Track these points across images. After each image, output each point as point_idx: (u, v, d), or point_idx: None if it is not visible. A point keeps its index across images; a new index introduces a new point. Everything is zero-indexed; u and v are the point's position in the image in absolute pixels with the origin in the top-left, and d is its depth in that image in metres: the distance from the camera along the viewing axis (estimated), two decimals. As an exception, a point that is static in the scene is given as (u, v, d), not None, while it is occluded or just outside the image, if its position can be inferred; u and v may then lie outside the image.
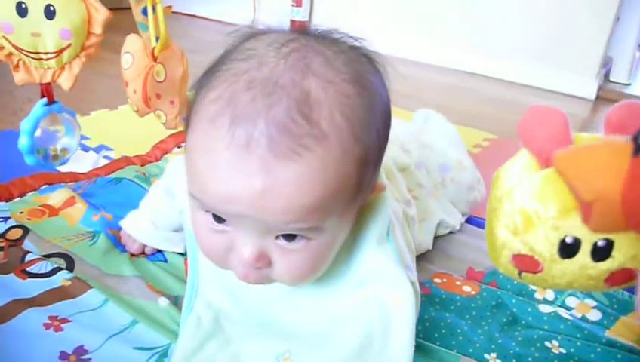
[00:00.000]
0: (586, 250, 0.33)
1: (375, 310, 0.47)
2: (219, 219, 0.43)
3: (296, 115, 0.38)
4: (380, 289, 0.47)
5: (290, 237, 0.42)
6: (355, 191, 0.42)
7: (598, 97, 2.01)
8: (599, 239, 0.33)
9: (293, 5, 2.46)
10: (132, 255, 0.67)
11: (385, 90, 0.46)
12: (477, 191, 0.84)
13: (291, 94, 0.38)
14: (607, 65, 2.15)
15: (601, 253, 0.33)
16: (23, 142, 0.71)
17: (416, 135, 0.80)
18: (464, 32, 2.18)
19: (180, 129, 0.89)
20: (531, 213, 0.34)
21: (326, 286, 0.50)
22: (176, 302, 0.59)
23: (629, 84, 2.24)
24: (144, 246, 0.67)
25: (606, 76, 2.19)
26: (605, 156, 0.29)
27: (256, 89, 0.39)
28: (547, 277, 0.35)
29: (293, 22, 2.48)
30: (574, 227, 0.33)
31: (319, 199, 0.39)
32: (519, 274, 0.37)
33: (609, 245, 0.33)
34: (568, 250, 0.34)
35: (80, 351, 0.51)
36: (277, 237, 0.42)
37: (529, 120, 0.33)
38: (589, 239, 0.33)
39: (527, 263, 0.35)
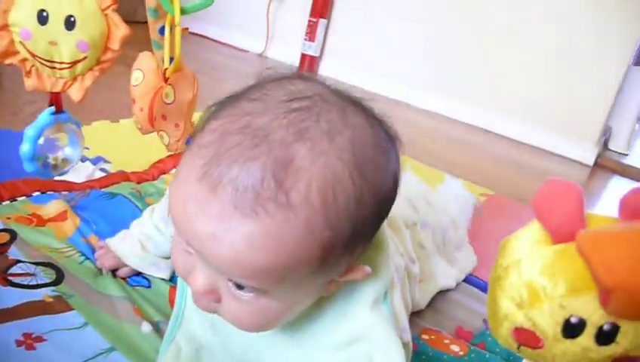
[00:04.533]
0: (590, 332, 0.32)
1: None
2: (188, 242, 0.42)
3: (269, 176, 0.36)
4: (369, 350, 0.45)
5: (239, 286, 0.41)
6: (316, 270, 0.40)
7: (596, 164, 2.03)
8: (605, 323, 0.32)
9: (305, 39, 2.49)
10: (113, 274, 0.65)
11: (390, 180, 0.43)
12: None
13: (274, 154, 0.36)
14: (606, 133, 2.19)
15: (605, 337, 0.32)
16: (25, 149, 0.70)
17: (425, 193, 0.79)
18: (475, 86, 2.22)
19: (181, 151, 0.89)
20: (539, 288, 0.33)
21: (314, 340, 0.48)
22: (157, 328, 0.57)
23: (626, 154, 2.27)
24: (117, 265, 0.65)
25: (605, 144, 2.22)
26: (631, 244, 0.28)
27: (246, 136, 0.38)
28: (547, 354, 0.34)
29: (304, 56, 2.51)
30: (581, 308, 0.32)
31: (267, 264, 0.37)
32: (518, 347, 0.36)
33: (614, 330, 0.32)
34: (572, 330, 0.33)
35: (50, 372, 0.49)
36: (229, 280, 0.41)
37: (546, 194, 0.33)
38: (594, 322, 0.32)
39: (528, 338, 0.34)
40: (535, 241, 0.34)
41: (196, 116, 0.90)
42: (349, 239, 0.40)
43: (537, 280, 0.33)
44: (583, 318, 0.32)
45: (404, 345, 0.46)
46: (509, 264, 0.35)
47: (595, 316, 0.32)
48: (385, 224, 0.49)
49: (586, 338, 0.33)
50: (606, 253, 0.28)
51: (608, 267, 0.28)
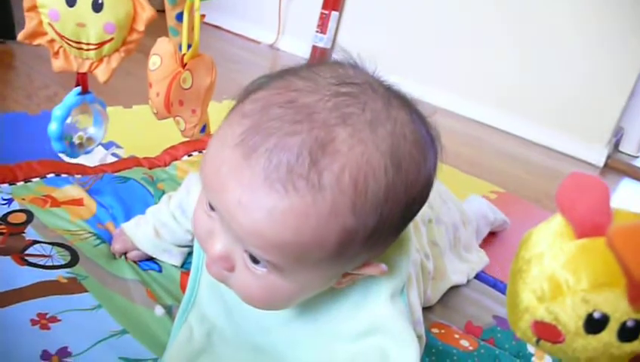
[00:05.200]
0: (613, 328, 0.32)
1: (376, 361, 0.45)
2: (211, 206, 0.42)
3: (305, 153, 0.36)
4: (384, 342, 0.45)
5: (254, 259, 0.41)
6: (332, 257, 0.39)
7: (606, 165, 2.02)
8: (629, 319, 0.32)
9: (317, 32, 2.48)
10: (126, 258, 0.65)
11: (423, 180, 0.42)
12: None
13: (315, 132, 0.37)
14: (618, 134, 2.17)
15: (628, 333, 0.32)
16: (54, 128, 0.70)
17: (439, 189, 0.79)
18: (487, 84, 2.21)
19: (196, 138, 0.89)
20: (561, 281, 0.32)
21: (328, 328, 0.48)
22: (170, 311, 0.57)
23: (637, 156, 2.25)
24: (127, 249, 0.65)
25: (616, 146, 2.20)
26: None
27: (289, 110, 0.38)
28: (567, 349, 0.34)
29: (315, 48, 2.50)
30: (604, 302, 0.32)
31: (286, 240, 0.37)
32: (537, 341, 0.36)
33: (638, 326, 0.32)
34: (595, 325, 0.32)
35: (63, 352, 0.49)
36: (246, 251, 0.41)
37: (569, 187, 0.32)
38: (618, 317, 0.32)
39: (548, 332, 0.34)
40: (558, 234, 0.34)
41: (214, 105, 0.91)
42: (371, 231, 0.40)
43: (560, 274, 0.33)
44: (606, 313, 0.32)
45: (418, 338, 0.46)
46: (531, 257, 0.34)
47: (619, 312, 0.32)
48: (410, 228, 0.49)
49: (609, 334, 0.32)
50: (638, 248, 0.28)
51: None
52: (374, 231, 0.40)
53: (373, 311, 0.47)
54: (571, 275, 0.32)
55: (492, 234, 1.02)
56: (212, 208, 0.42)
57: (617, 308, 0.32)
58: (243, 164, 0.37)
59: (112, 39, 0.67)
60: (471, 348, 0.66)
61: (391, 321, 0.46)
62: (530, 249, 0.35)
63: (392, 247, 0.47)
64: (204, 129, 0.88)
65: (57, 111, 0.70)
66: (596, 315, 0.32)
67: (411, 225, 0.60)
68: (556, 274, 0.33)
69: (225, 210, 0.38)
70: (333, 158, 0.36)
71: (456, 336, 0.67)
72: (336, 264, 0.41)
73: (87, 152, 0.78)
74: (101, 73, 0.69)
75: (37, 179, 0.77)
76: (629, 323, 0.32)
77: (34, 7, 0.64)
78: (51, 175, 0.78)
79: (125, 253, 0.65)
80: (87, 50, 0.67)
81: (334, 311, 0.48)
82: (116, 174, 0.84)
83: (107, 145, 1.01)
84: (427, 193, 0.44)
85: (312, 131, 0.36)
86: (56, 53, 0.67)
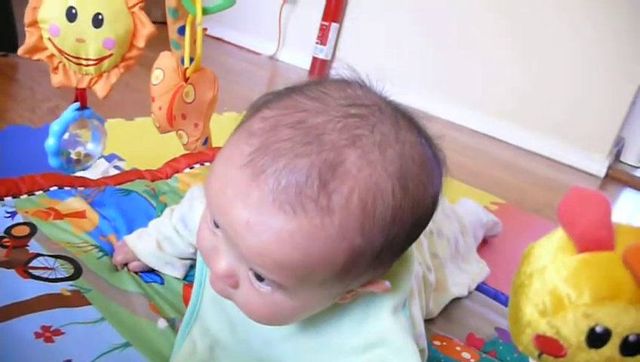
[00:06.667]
0: (615, 342, 0.32)
1: None
2: (216, 223, 0.42)
3: (315, 175, 0.36)
4: (387, 356, 0.45)
5: (259, 277, 0.41)
6: (338, 277, 0.40)
7: (607, 175, 2.02)
8: (631, 333, 0.32)
9: (317, 43, 2.50)
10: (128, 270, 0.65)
11: (429, 201, 0.43)
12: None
13: (324, 155, 0.37)
14: (619, 145, 2.18)
15: (630, 347, 0.32)
16: (51, 143, 0.71)
17: (441, 203, 0.80)
18: (487, 94, 2.22)
19: (199, 151, 0.89)
20: (563, 296, 0.33)
21: (331, 342, 0.48)
22: (172, 324, 0.58)
23: (638, 167, 2.26)
24: (128, 260, 0.65)
25: (617, 156, 2.21)
26: None
27: (299, 131, 0.38)
28: (569, 363, 0.34)
29: (315, 59, 2.52)
30: (606, 317, 0.32)
31: (293, 262, 0.37)
32: (539, 355, 0.36)
33: None
34: (597, 339, 0.32)
35: (67, 365, 0.49)
36: (251, 270, 0.41)
37: (571, 202, 0.33)
38: (620, 332, 0.32)
39: (550, 346, 0.34)
40: (559, 249, 0.34)
41: (215, 117, 0.91)
42: (378, 252, 0.40)
43: (562, 288, 0.33)
44: (608, 327, 0.32)
45: (420, 351, 0.46)
46: (533, 271, 0.35)
47: (621, 326, 0.32)
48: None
49: (611, 349, 0.32)
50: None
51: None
52: (381, 251, 0.40)
53: (375, 325, 0.47)
54: (573, 290, 0.32)
55: (489, 243, 1.02)
56: (216, 225, 0.42)
57: (619, 322, 0.32)
58: (251, 184, 0.37)
59: (111, 55, 0.68)
60: (472, 360, 0.66)
61: (393, 335, 0.46)
62: (532, 263, 0.35)
63: (395, 263, 0.47)
64: (206, 142, 0.88)
65: (55, 127, 0.71)
66: (598, 329, 0.32)
67: None
68: (558, 288, 0.33)
69: (231, 230, 0.38)
70: (343, 180, 0.37)
71: (458, 349, 0.67)
72: (342, 283, 0.42)
73: (85, 169, 0.78)
74: (100, 89, 0.70)
75: (40, 191, 0.77)
76: (631, 338, 0.32)
77: (34, 23, 0.65)
78: (54, 188, 0.78)
79: (127, 264, 0.66)
80: (87, 65, 0.67)
81: (337, 326, 0.48)
82: (118, 187, 0.85)
83: (109, 158, 1.01)
84: (432, 214, 0.44)
85: (321, 153, 0.37)
86: (56, 69, 0.68)
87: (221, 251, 0.42)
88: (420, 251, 0.65)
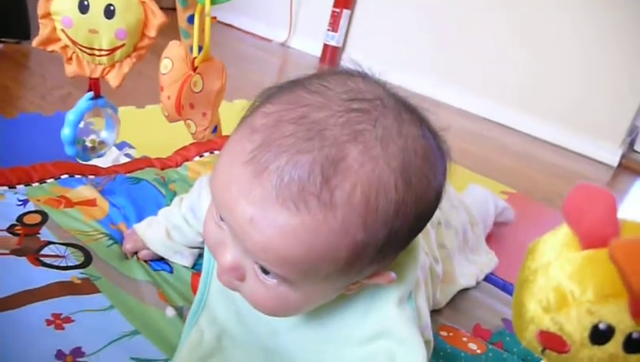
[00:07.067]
0: (618, 339, 0.32)
1: None
2: (221, 216, 0.43)
3: (317, 171, 0.36)
4: (392, 347, 0.46)
5: (265, 270, 0.41)
6: (342, 271, 0.40)
7: (620, 165, 2.00)
8: (635, 331, 0.32)
9: (328, 30, 2.48)
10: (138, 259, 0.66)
11: (433, 194, 0.43)
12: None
13: (326, 150, 0.37)
14: (632, 133, 2.15)
15: (634, 344, 0.32)
16: (66, 132, 0.72)
17: (448, 192, 0.79)
18: (499, 82, 2.19)
19: (207, 139, 0.89)
20: (567, 292, 0.33)
21: (337, 333, 0.49)
22: (180, 313, 0.58)
23: (652, 156, 2.23)
24: (137, 248, 0.66)
25: (631, 145, 2.18)
26: None
27: (301, 127, 0.38)
28: (573, 359, 0.34)
29: (326, 46, 2.50)
30: (610, 314, 0.32)
31: (297, 256, 0.38)
32: (542, 351, 0.36)
33: (643, 338, 0.32)
34: (600, 336, 0.32)
35: (77, 352, 0.50)
36: (256, 263, 0.41)
37: (576, 198, 0.33)
38: (623, 329, 0.32)
39: (554, 342, 0.34)
40: (564, 245, 0.34)
41: (225, 104, 0.92)
42: (381, 246, 0.40)
43: (566, 285, 0.33)
44: (611, 325, 0.32)
45: (426, 342, 0.47)
46: (538, 267, 0.35)
47: (624, 323, 0.32)
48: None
49: (614, 345, 0.32)
50: (639, 262, 0.28)
51: (642, 276, 0.28)
52: (384, 245, 0.40)
53: (380, 316, 0.47)
54: (577, 286, 0.32)
55: (499, 233, 1.02)
56: (222, 219, 0.42)
57: (623, 319, 0.32)
58: (254, 181, 0.37)
59: (123, 45, 0.68)
60: (479, 351, 0.66)
61: (398, 327, 0.46)
62: (536, 259, 0.35)
63: (400, 254, 0.47)
64: (215, 129, 0.89)
65: (70, 116, 0.72)
66: (601, 326, 0.32)
67: None
68: (562, 285, 0.33)
69: (236, 226, 0.39)
70: (345, 176, 0.37)
71: (464, 339, 0.67)
72: (346, 276, 0.42)
73: (100, 156, 0.80)
74: (113, 78, 0.71)
75: (51, 180, 0.78)
76: (635, 335, 0.32)
77: (48, 14, 0.66)
78: (65, 176, 0.79)
79: (136, 253, 0.67)
80: (100, 55, 0.68)
81: (342, 317, 0.48)
82: (129, 175, 0.86)
83: (120, 146, 1.02)
84: (436, 206, 0.44)
85: (323, 149, 0.37)
86: (70, 59, 0.69)
87: (227, 244, 0.43)
88: (427, 242, 0.65)
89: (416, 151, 0.41)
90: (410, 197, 0.40)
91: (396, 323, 0.46)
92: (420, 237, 0.56)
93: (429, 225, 0.67)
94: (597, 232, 0.32)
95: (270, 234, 0.37)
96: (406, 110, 0.42)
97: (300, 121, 0.38)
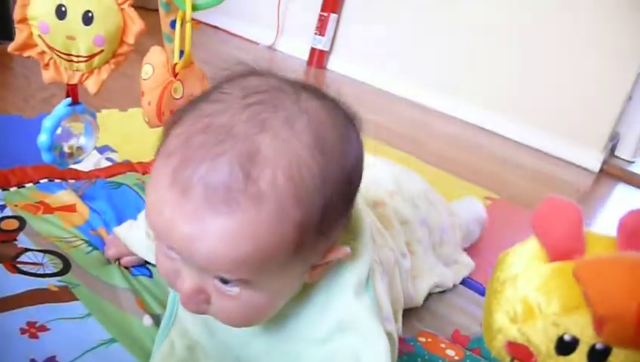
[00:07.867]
0: (583, 350, 0.33)
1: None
2: (167, 246, 0.43)
3: (236, 168, 0.37)
4: (352, 340, 0.46)
5: (224, 280, 0.42)
6: (293, 253, 0.41)
7: (601, 170, 2.03)
8: (598, 342, 0.32)
9: (316, 33, 2.49)
10: (119, 265, 0.66)
11: (353, 157, 0.45)
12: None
13: (239, 147, 0.38)
14: (614, 140, 2.18)
15: (598, 355, 0.33)
16: (43, 139, 0.71)
17: (426, 191, 0.80)
18: (483, 87, 2.21)
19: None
20: (533, 304, 0.33)
21: (298, 333, 0.49)
22: (158, 321, 0.58)
23: (633, 162, 2.26)
24: (120, 254, 0.66)
25: (612, 151, 2.21)
26: (625, 275, 0.28)
27: (209, 135, 0.39)
28: (540, 369, 0.35)
29: (313, 50, 2.51)
30: (574, 326, 0.33)
31: (245, 255, 0.38)
32: (511, 360, 0.37)
33: (607, 349, 0.33)
34: (565, 347, 0.33)
35: (51, 361, 0.50)
36: (215, 277, 0.42)
37: (544, 212, 0.33)
38: (587, 340, 0.33)
39: (521, 352, 0.35)
40: (532, 257, 0.35)
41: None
42: (320, 217, 0.41)
43: (532, 297, 0.33)
44: (576, 336, 0.33)
45: (388, 335, 0.47)
46: (506, 278, 0.35)
47: (588, 335, 0.32)
48: (363, 215, 0.51)
49: (579, 356, 0.33)
50: (601, 283, 0.29)
51: (603, 297, 0.29)
52: (323, 215, 0.41)
53: (338, 309, 0.47)
54: (543, 298, 0.33)
55: (481, 238, 1.02)
56: (169, 248, 0.43)
57: (586, 331, 0.32)
58: (182, 200, 0.38)
59: (101, 51, 0.68)
60: (457, 357, 0.66)
61: (357, 318, 0.47)
62: (505, 270, 0.36)
63: (345, 235, 0.48)
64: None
65: (47, 123, 0.71)
66: (566, 338, 0.33)
67: (381, 226, 0.61)
68: (529, 297, 0.34)
69: (181, 248, 0.39)
70: (264, 165, 0.38)
71: (442, 346, 0.68)
72: (300, 259, 0.43)
73: (77, 162, 0.79)
74: (91, 85, 0.70)
75: (30, 184, 0.77)
76: (598, 346, 0.32)
77: (24, 20, 0.65)
78: (44, 180, 0.79)
79: (119, 259, 0.66)
80: (78, 62, 0.68)
81: (303, 314, 0.49)
82: (109, 179, 0.85)
83: (101, 150, 1.02)
84: (361, 167, 0.46)
85: (235, 146, 0.38)
86: (47, 65, 0.68)
87: (182, 271, 0.43)
88: (393, 238, 0.66)
89: (322, 121, 0.42)
90: (330, 163, 0.41)
91: (354, 314, 0.47)
92: (385, 234, 0.57)
93: (396, 223, 0.68)
94: (562, 245, 0.33)
95: (214, 243, 0.38)
96: (304, 89, 0.44)
97: (207, 130, 0.39)
